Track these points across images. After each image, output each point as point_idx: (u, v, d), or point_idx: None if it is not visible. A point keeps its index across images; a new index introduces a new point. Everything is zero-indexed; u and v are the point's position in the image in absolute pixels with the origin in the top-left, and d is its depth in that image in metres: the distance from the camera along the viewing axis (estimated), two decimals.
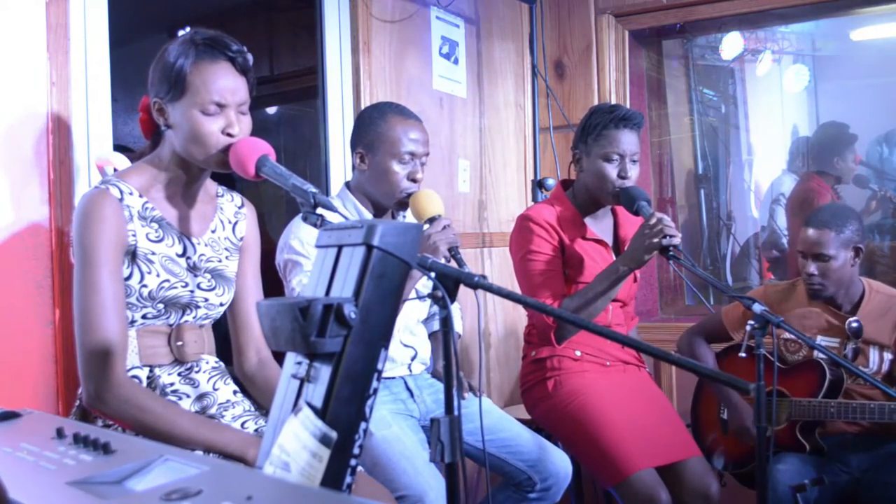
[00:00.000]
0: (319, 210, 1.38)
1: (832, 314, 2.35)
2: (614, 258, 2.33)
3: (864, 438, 2.31)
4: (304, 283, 1.96)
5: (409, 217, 2.28)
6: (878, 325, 2.30)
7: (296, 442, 0.94)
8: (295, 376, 0.99)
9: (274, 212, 3.95)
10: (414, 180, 2.06)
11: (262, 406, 1.70)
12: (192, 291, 1.57)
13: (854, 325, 2.27)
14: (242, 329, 1.73)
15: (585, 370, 2.29)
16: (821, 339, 2.34)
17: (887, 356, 2.30)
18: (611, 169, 2.22)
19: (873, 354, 2.31)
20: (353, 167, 2.16)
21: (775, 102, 4.92)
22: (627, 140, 2.22)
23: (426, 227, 1.95)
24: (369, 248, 0.96)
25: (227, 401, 1.62)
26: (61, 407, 1.75)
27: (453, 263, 1.93)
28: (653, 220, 2.06)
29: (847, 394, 2.29)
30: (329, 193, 2.62)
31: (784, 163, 4.54)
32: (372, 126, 2.08)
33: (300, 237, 1.99)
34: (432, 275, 1.20)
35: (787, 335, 2.35)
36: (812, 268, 2.28)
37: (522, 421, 2.26)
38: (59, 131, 1.79)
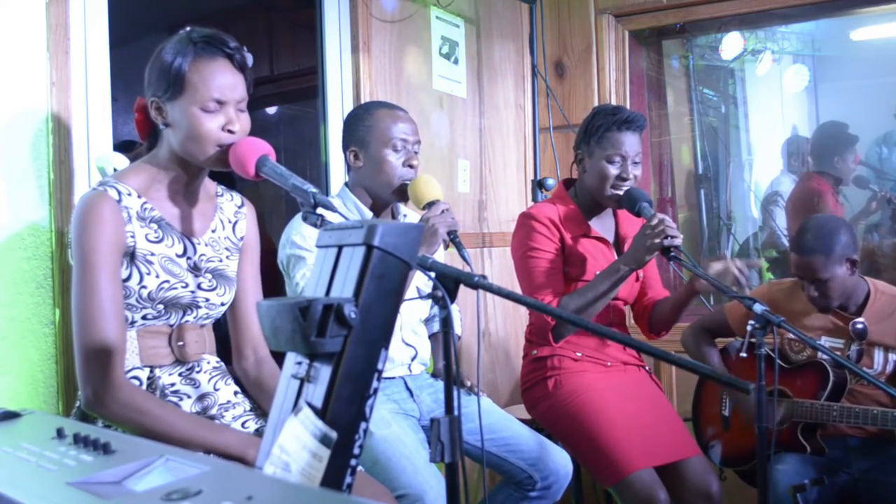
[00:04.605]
0: (319, 210, 1.38)
1: (837, 315, 2.34)
2: (616, 256, 2.34)
3: (866, 441, 2.31)
4: (307, 276, 1.96)
5: (409, 217, 2.29)
6: (883, 326, 2.29)
7: (296, 442, 0.94)
8: (295, 376, 0.99)
9: (274, 212, 3.95)
10: (410, 166, 2.08)
11: (261, 406, 1.70)
12: (192, 292, 1.57)
13: (858, 326, 2.26)
14: (241, 329, 1.73)
15: (586, 370, 2.30)
16: (825, 340, 2.33)
17: (892, 357, 2.30)
18: (613, 170, 2.23)
19: (878, 356, 2.30)
20: (348, 168, 2.17)
21: (775, 102, 4.92)
22: (630, 142, 2.24)
23: (425, 211, 1.96)
24: (369, 248, 0.96)
25: (228, 401, 1.62)
26: (61, 407, 1.75)
27: (452, 247, 1.94)
28: (654, 221, 2.07)
29: (851, 394, 2.29)
30: (329, 193, 2.62)
31: (783, 163, 4.54)
32: (360, 123, 2.11)
33: (302, 232, 1.99)
34: (432, 275, 1.20)
35: (791, 334, 2.35)
36: (812, 290, 2.28)
37: (522, 420, 2.26)
38: (59, 131, 1.79)
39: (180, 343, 1.57)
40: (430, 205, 1.97)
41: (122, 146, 2.05)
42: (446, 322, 1.19)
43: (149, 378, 1.54)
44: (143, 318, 1.53)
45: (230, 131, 1.50)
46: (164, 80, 1.50)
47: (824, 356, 2.23)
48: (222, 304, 1.65)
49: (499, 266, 3.28)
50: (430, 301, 1.21)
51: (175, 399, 1.55)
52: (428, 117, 2.94)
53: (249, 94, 1.56)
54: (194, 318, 1.60)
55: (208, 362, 1.63)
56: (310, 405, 0.94)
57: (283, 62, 3.94)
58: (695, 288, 2.23)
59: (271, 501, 0.70)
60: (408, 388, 2.15)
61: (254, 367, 1.73)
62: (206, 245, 1.62)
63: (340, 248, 1.01)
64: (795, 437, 2.29)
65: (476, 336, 1.91)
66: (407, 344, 2.17)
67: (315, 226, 1.36)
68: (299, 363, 0.99)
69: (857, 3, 3.40)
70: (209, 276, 1.61)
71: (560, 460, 2.17)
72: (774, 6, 3.21)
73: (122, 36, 2.10)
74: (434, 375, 2.27)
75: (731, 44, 3.91)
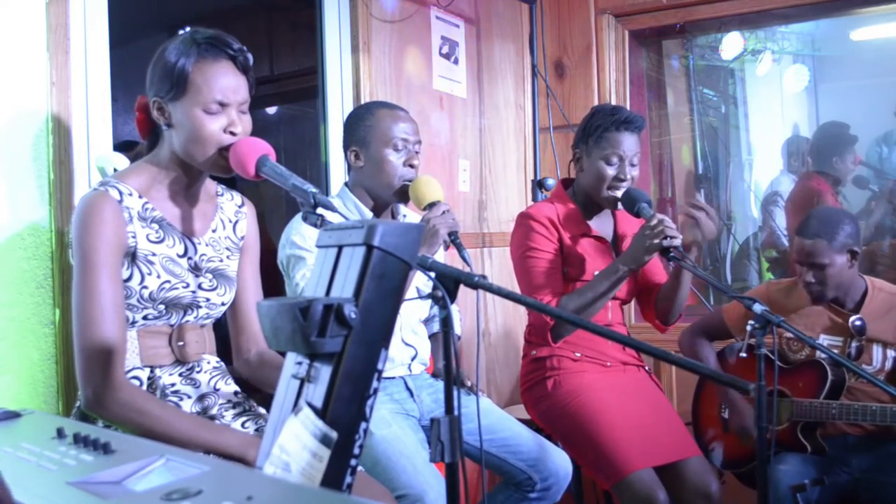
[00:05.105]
0: (319, 210, 1.38)
1: (835, 312, 2.34)
2: (614, 256, 2.34)
3: (865, 439, 2.31)
4: (307, 276, 1.96)
5: (409, 217, 2.29)
6: (881, 323, 2.30)
7: (296, 442, 0.94)
8: (295, 376, 0.99)
9: (274, 212, 3.95)
10: (411, 166, 2.08)
11: (263, 403, 1.70)
12: (193, 292, 1.57)
13: (857, 323, 2.27)
14: (242, 328, 1.74)
15: (585, 370, 2.30)
16: (824, 338, 2.34)
17: (891, 354, 2.31)
18: (610, 170, 2.23)
19: (877, 352, 2.31)
20: (349, 168, 2.17)
21: (775, 102, 4.92)
22: (628, 143, 2.23)
23: (426, 212, 1.97)
24: (370, 248, 0.96)
25: (228, 401, 1.62)
26: (61, 407, 1.75)
27: (453, 248, 1.95)
28: (654, 221, 2.07)
29: (850, 392, 2.29)
30: (329, 193, 2.62)
31: (783, 163, 4.54)
32: (361, 122, 2.11)
33: (302, 232, 2.00)
34: (432, 275, 1.20)
35: (789, 334, 2.35)
36: (809, 276, 2.29)
37: (522, 421, 2.26)
38: (59, 131, 1.79)
39: (180, 343, 1.58)
40: (432, 206, 1.98)
41: (122, 146, 2.05)
42: (446, 322, 1.19)
43: (149, 378, 1.54)
44: (144, 318, 1.53)
45: (232, 133, 1.50)
46: (167, 80, 1.50)
47: (822, 355, 2.23)
48: (223, 304, 1.65)
49: (499, 266, 3.28)
50: (430, 301, 1.21)
51: (175, 399, 1.55)
52: (428, 117, 2.94)
53: (252, 96, 1.57)
54: (195, 318, 1.60)
55: (208, 362, 1.64)
56: (310, 405, 0.94)
57: (283, 62, 3.94)
58: (680, 267, 2.18)
59: (271, 501, 0.71)
60: (408, 388, 2.15)
61: (256, 357, 1.75)
62: (207, 245, 1.62)
63: (340, 248, 1.01)
64: (795, 437, 2.29)
65: (476, 336, 1.91)
66: (407, 344, 2.17)
67: (315, 226, 1.36)
68: (299, 363, 0.99)
69: (857, 3, 3.40)
70: (210, 276, 1.61)
71: (560, 461, 2.17)
72: (774, 6, 3.22)
73: (122, 36, 2.10)
74: (434, 375, 2.27)
75: (731, 44, 3.91)
